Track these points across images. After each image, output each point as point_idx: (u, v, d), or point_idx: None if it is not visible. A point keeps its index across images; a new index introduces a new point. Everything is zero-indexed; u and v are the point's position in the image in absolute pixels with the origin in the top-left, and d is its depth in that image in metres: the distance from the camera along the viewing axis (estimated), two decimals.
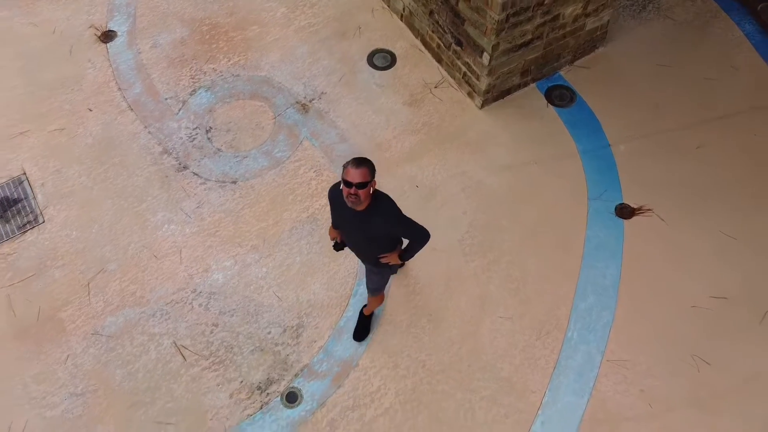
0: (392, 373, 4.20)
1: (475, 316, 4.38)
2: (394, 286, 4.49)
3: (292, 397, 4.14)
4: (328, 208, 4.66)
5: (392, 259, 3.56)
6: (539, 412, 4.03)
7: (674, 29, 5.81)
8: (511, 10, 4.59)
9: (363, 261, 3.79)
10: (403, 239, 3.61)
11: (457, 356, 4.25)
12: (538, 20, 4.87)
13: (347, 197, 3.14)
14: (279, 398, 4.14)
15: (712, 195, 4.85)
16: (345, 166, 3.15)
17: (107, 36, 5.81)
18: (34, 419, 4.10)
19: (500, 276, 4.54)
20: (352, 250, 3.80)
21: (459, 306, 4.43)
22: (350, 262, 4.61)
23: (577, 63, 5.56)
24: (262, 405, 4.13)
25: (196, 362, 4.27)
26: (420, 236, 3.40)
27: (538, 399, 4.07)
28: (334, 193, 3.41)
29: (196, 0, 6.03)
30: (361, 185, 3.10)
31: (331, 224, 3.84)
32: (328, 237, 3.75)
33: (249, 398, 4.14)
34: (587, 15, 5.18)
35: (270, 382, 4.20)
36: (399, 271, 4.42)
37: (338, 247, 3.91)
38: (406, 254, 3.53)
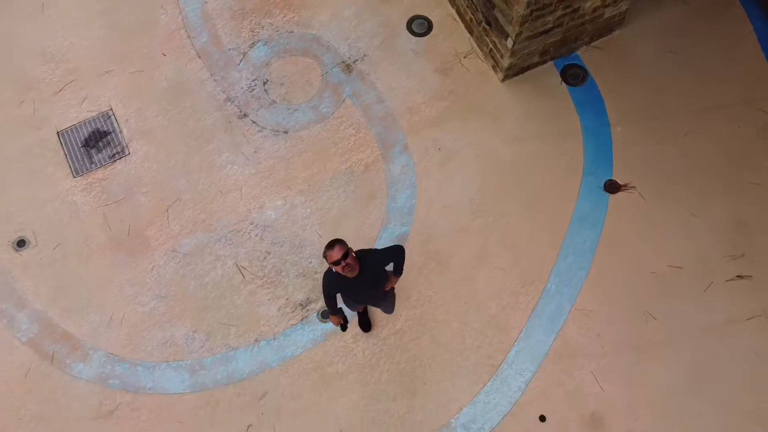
0: (404, 303, 5.36)
1: (474, 264, 5.46)
2: (413, 236, 5.55)
3: (325, 314, 5.34)
4: (361, 165, 5.66)
5: (394, 282, 4.35)
6: (515, 343, 5.20)
7: (688, 15, 6.37)
8: (535, 6, 5.26)
9: (376, 303, 4.59)
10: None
11: (457, 295, 5.38)
12: (560, 12, 5.53)
13: (344, 270, 3.77)
14: (316, 314, 5.35)
15: (689, 179, 5.70)
16: (325, 255, 3.77)
17: None
18: (130, 313, 5.38)
19: (499, 233, 5.56)
20: (366, 303, 4.63)
21: (462, 255, 5.50)
22: (378, 212, 5.65)
23: (593, 44, 6.22)
24: (302, 318, 5.35)
25: (253, 281, 5.46)
26: (400, 253, 4.19)
27: (516, 334, 5.23)
28: (331, 277, 4.00)
29: None
30: (346, 255, 3.74)
31: (330, 315, 4.43)
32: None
33: (293, 312, 5.36)
34: (606, 6, 5.80)
35: (309, 301, 5.40)
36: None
37: (345, 327, 4.59)
38: (398, 271, 4.30)
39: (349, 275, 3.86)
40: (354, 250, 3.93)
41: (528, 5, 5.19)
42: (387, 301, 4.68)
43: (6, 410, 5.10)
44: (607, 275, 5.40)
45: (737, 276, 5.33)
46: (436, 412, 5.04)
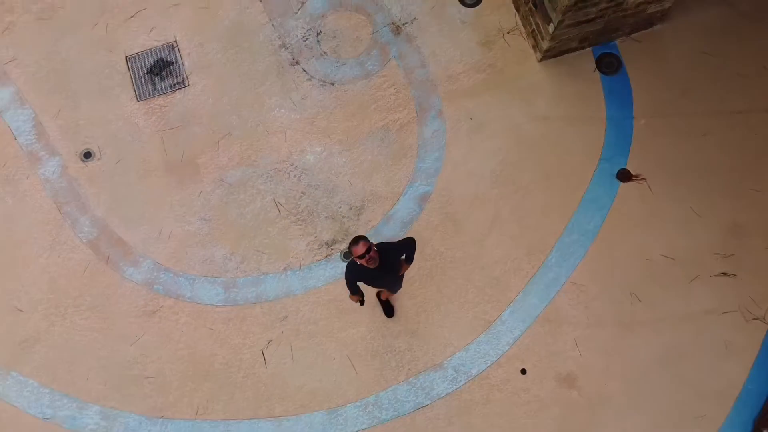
0: (419, 255, 5.96)
1: (486, 230, 6.04)
2: (434, 196, 6.11)
3: (347, 255, 6.02)
4: (397, 125, 6.16)
5: (405, 269, 4.93)
6: (511, 305, 5.85)
7: (730, 18, 6.57)
8: None
9: (391, 287, 5.21)
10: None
11: (466, 254, 5.99)
12: (603, 5, 5.82)
13: (368, 262, 4.29)
14: (339, 254, 6.03)
15: (697, 178, 6.11)
16: (351, 250, 4.30)
17: None
18: (177, 230, 6.11)
19: (513, 204, 6.10)
20: (384, 287, 5.28)
21: (477, 219, 6.07)
22: (407, 170, 6.21)
23: (632, 36, 6.50)
24: (326, 255, 6.03)
25: (287, 216, 6.13)
26: (412, 244, 4.77)
27: (513, 296, 5.86)
28: (355, 268, 4.57)
29: None
30: (369, 250, 4.25)
31: (349, 294, 4.98)
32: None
33: (319, 249, 6.04)
34: (650, 2, 6.06)
35: (334, 242, 6.06)
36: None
37: (362, 302, 5.27)
38: (410, 260, 4.85)
39: (371, 266, 4.37)
40: (374, 244, 4.41)
41: None
42: (398, 284, 5.30)
43: (66, 297, 5.95)
44: (604, 256, 5.94)
45: (722, 273, 5.84)
46: (432, 353, 5.77)
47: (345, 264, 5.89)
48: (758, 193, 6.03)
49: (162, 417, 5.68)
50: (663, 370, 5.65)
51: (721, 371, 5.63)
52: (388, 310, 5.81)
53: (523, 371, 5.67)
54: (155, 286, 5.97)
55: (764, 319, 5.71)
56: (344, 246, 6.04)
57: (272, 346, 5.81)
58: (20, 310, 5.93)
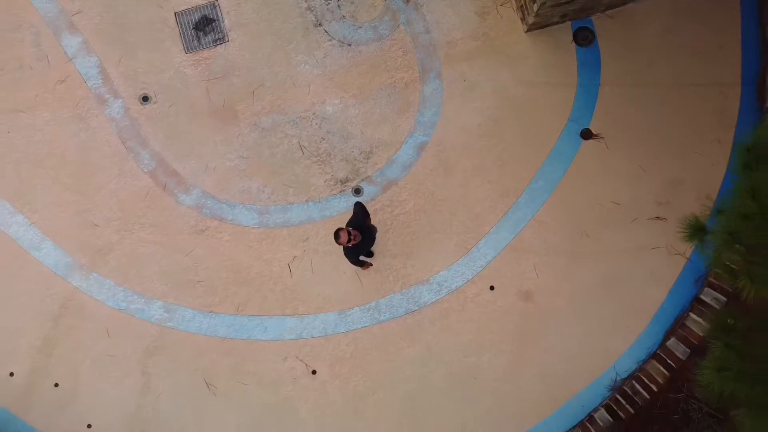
0: (415, 193, 7.44)
1: (470, 174, 7.45)
2: (430, 145, 7.45)
3: (358, 191, 7.47)
4: (402, 83, 7.41)
5: (370, 221, 6.64)
6: (486, 236, 7.36)
7: (696, 1, 7.62)
8: None
9: (373, 241, 6.82)
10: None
11: (453, 194, 7.43)
12: None
13: (356, 239, 6.03)
14: (350, 190, 7.49)
15: (648, 140, 7.41)
16: (338, 241, 6.00)
17: None
18: (220, 165, 7.53)
19: (494, 154, 7.47)
20: (371, 247, 6.86)
21: (464, 166, 7.46)
22: (409, 122, 7.51)
23: (607, 12, 7.59)
24: (340, 191, 7.49)
25: (309, 157, 7.53)
26: (362, 206, 6.62)
27: (487, 230, 7.37)
28: (351, 251, 6.31)
29: None
30: (349, 234, 5.95)
31: (360, 268, 6.95)
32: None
33: (335, 185, 7.49)
34: None
35: (347, 180, 7.50)
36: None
37: (371, 265, 7.08)
38: (368, 215, 6.69)
39: (359, 241, 6.04)
40: (347, 227, 6.07)
41: None
42: (374, 239, 6.86)
43: (132, 216, 7.47)
44: (564, 200, 7.38)
45: (656, 217, 7.30)
46: (421, 271, 7.36)
47: (354, 198, 7.37)
48: (701, 156, 7.36)
49: (211, 311, 7.37)
50: (600, 291, 7.24)
51: (646, 294, 7.23)
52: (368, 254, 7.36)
53: (492, 287, 7.28)
54: (203, 210, 7.47)
55: (684, 254, 7.23)
56: (355, 183, 7.48)
57: (296, 261, 7.39)
58: (96, 225, 7.47)
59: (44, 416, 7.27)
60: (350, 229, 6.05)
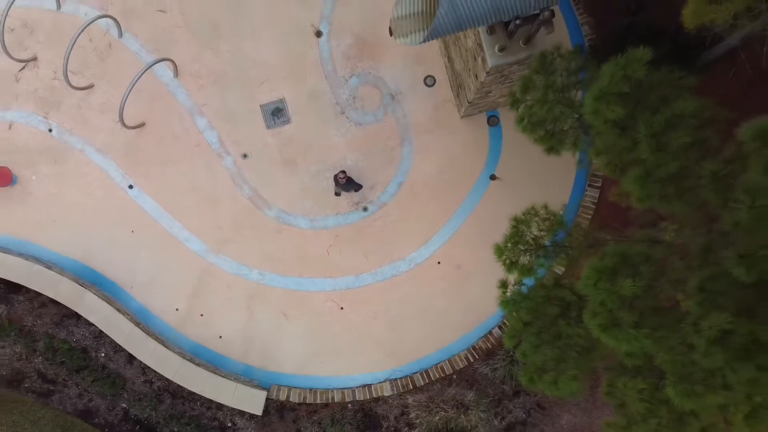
0: (397, 210, 13.38)
1: (428, 199, 13.39)
2: (406, 183, 13.38)
3: (365, 209, 13.45)
4: (390, 147, 13.34)
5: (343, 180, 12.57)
6: (436, 233, 13.35)
7: None
8: (477, 95, 12.45)
9: (353, 186, 12.76)
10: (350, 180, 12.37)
11: (418, 210, 13.39)
12: (491, 98, 12.71)
13: (343, 179, 12.13)
14: (361, 207, 13.44)
15: (530, 181, 13.31)
16: (335, 178, 12.23)
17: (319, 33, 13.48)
18: (288, 192, 13.49)
19: (442, 187, 13.40)
20: (350, 187, 12.70)
21: (425, 195, 13.37)
22: (394, 168, 13.41)
23: (505, 107, 13.39)
24: (355, 208, 13.46)
25: (339, 192, 13.47)
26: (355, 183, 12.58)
27: (438, 229, 13.34)
28: (338, 182, 12.31)
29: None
30: (344, 177, 12.08)
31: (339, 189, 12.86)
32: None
33: (352, 205, 13.43)
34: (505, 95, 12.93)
35: (359, 202, 13.47)
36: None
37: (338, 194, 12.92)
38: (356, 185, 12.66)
39: (345, 182, 12.16)
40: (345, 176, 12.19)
41: (476, 92, 12.40)
42: (353, 186, 12.78)
43: (239, 222, 13.46)
44: (479, 214, 13.32)
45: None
46: (401, 252, 13.38)
47: (364, 214, 13.37)
48: (555, 182, 13.28)
49: (285, 275, 13.42)
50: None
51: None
52: (357, 187, 13.29)
53: (439, 262, 13.30)
54: (279, 219, 13.42)
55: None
56: (363, 204, 13.42)
57: (331, 247, 13.38)
58: (220, 228, 13.44)
59: (197, 333, 13.38)
60: (342, 173, 12.22)
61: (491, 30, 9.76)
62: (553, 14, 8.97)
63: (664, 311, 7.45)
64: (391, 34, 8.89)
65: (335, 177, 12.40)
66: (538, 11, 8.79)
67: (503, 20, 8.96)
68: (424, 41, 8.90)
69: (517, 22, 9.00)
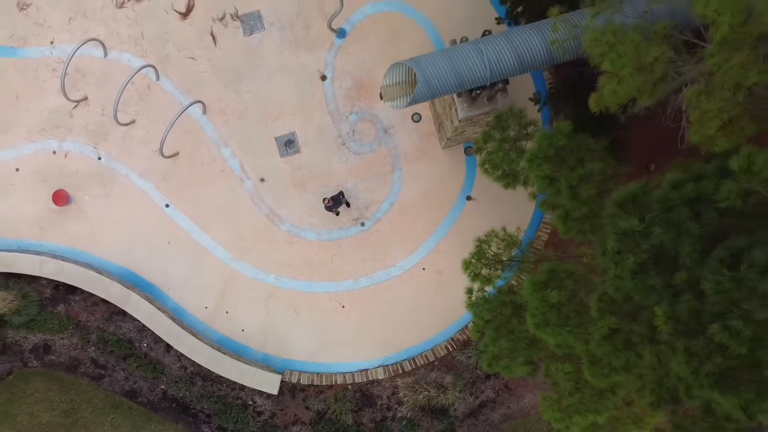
0: (389, 225, 16.12)
1: (415, 216, 16.13)
2: (396, 203, 16.11)
3: (363, 224, 16.17)
4: (383, 172, 16.10)
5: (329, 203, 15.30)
6: (422, 244, 16.08)
7: None
8: (455, 132, 15.15)
9: (339, 206, 15.47)
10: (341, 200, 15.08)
11: (407, 225, 16.12)
12: (468, 133, 15.40)
13: (333, 202, 14.87)
14: (359, 223, 16.17)
15: (504, 201, 16.03)
16: (324, 202, 15.01)
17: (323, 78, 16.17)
18: (299, 210, 16.23)
19: (426, 207, 16.14)
20: (337, 206, 15.40)
21: (413, 212, 16.11)
22: (386, 191, 16.14)
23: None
24: (354, 223, 16.18)
25: (342, 209, 16.19)
26: (342, 195, 15.30)
27: (422, 242, 16.08)
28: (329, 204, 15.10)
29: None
30: (329, 201, 14.88)
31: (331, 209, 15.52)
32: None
33: (351, 221, 16.18)
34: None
35: (358, 218, 16.20)
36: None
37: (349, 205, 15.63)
38: (340, 201, 15.36)
39: (332, 204, 14.92)
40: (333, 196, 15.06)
41: (453, 132, 15.09)
42: (341, 204, 15.48)
43: (258, 235, 16.19)
44: (458, 229, 16.03)
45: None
46: (391, 260, 16.13)
47: (362, 228, 16.14)
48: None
49: (295, 278, 16.16)
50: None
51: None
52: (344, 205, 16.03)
53: (423, 269, 16.05)
54: (291, 232, 16.13)
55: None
56: (361, 220, 16.14)
57: (335, 256, 16.11)
58: (242, 240, 16.15)
59: (223, 327, 16.11)
60: (326, 199, 14.90)
61: (459, 94, 12.45)
62: (506, 83, 11.65)
63: (582, 314, 10.20)
64: (381, 98, 11.55)
65: (324, 200, 15.13)
66: (493, 83, 11.49)
67: (467, 90, 11.65)
68: (408, 105, 11.58)
69: (478, 91, 11.69)
